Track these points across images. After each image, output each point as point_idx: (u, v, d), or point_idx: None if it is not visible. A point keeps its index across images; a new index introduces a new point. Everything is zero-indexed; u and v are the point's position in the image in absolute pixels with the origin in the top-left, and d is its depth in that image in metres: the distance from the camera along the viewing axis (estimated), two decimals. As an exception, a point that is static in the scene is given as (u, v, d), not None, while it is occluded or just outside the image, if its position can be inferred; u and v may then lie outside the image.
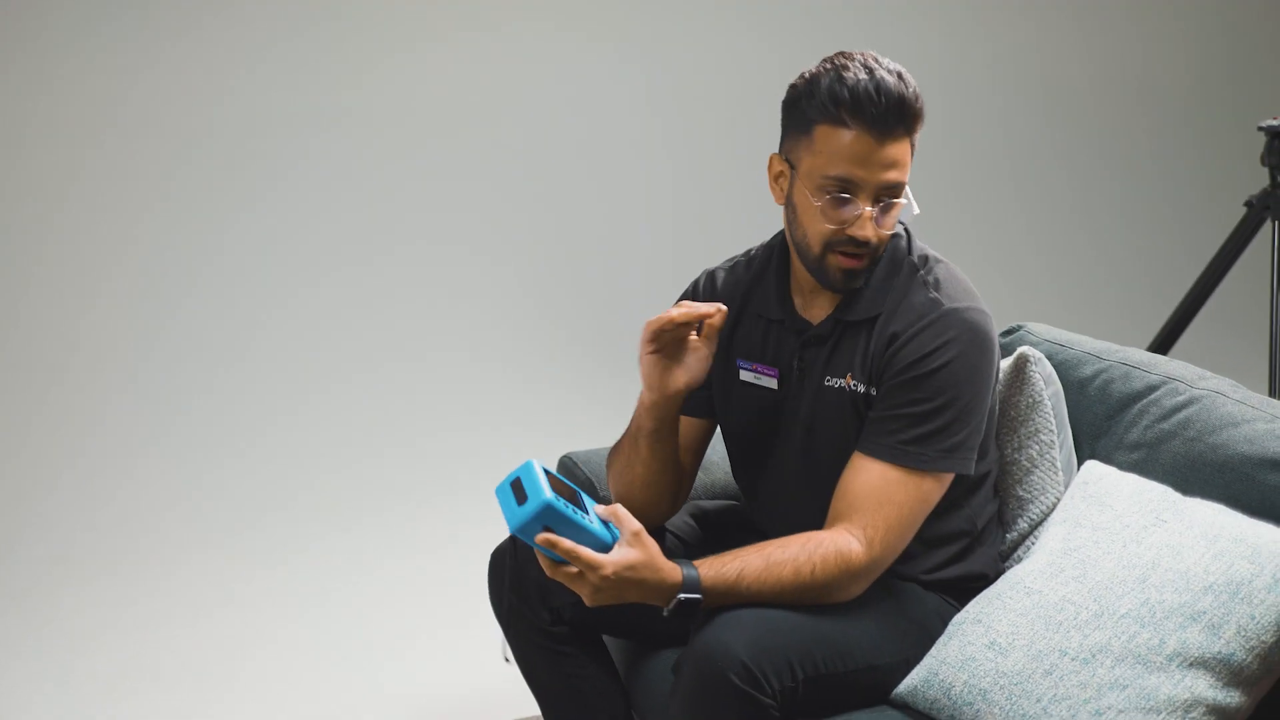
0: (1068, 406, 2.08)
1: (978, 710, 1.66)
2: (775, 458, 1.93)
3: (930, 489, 1.76)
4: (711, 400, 1.98)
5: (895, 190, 1.74)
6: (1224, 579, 1.59)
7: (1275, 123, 3.17)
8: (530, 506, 1.58)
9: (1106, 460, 1.98)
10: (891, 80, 1.70)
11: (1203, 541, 1.65)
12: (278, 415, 3.92)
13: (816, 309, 1.87)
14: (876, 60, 1.73)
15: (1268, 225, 3.22)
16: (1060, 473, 2.01)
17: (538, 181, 4.40)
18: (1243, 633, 1.55)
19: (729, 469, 2.28)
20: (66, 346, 3.94)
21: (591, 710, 1.96)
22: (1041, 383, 2.04)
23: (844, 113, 1.70)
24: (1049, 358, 2.14)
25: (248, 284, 4.14)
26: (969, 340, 1.76)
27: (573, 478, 2.29)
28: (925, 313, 1.77)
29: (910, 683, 1.76)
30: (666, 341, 1.80)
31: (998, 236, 4.83)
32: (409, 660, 2.85)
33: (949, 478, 1.78)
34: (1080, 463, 2.01)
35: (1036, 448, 2.01)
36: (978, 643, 1.71)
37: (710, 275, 2.00)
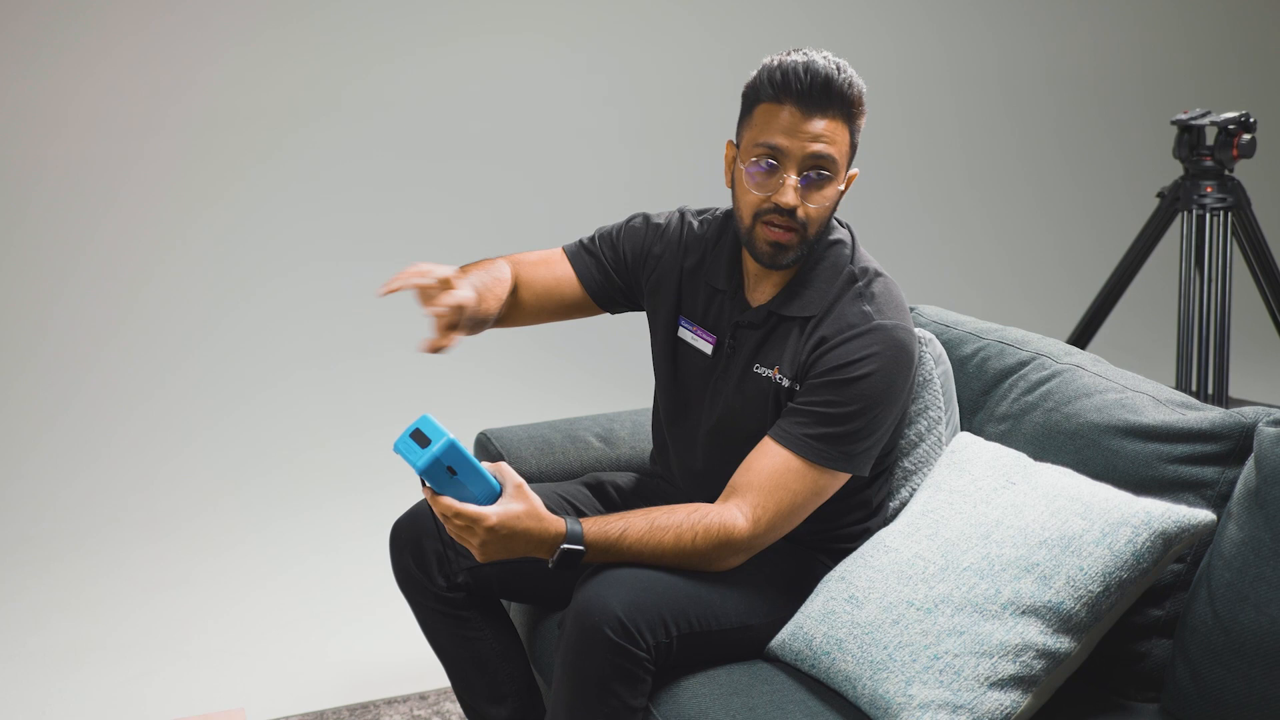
0: (950, 383, 2.20)
1: (834, 659, 1.77)
2: (691, 422, 2.04)
3: (825, 484, 1.86)
4: (607, 289, 2.07)
5: (822, 165, 1.82)
6: (1057, 534, 1.70)
7: (1185, 117, 3.28)
8: (435, 447, 1.69)
9: (979, 432, 2.10)
10: (823, 64, 1.81)
11: (1043, 501, 1.76)
12: (232, 407, 4.03)
13: (758, 293, 1.96)
14: (821, 52, 1.85)
15: (1180, 216, 3.33)
16: (945, 447, 2.13)
17: (476, 179, 4.50)
18: (1071, 583, 1.67)
19: (634, 445, 2.41)
20: (30, 338, 4.05)
21: (492, 671, 2.07)
22: (932, 362, 2.15)
23: (778, 90, 1.82)
24: (936, 337, 2.26)
25: (207, 279, 4.25)
26: (891, 357, 1.86)
27: (487, 453, 2.41)
28: (855, 323, 1.86)
29: (780, 638, 1.88)
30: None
31: (918, 231, 4.93)
32: (350, 633, 2.97)
33: (844, 477, 1.88)
34: (957, 435, 2.13)
35: (925, 423, 2.12)
36: (839, 597, 1.82)
37: (682, 219, 2.08)
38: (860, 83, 1.85)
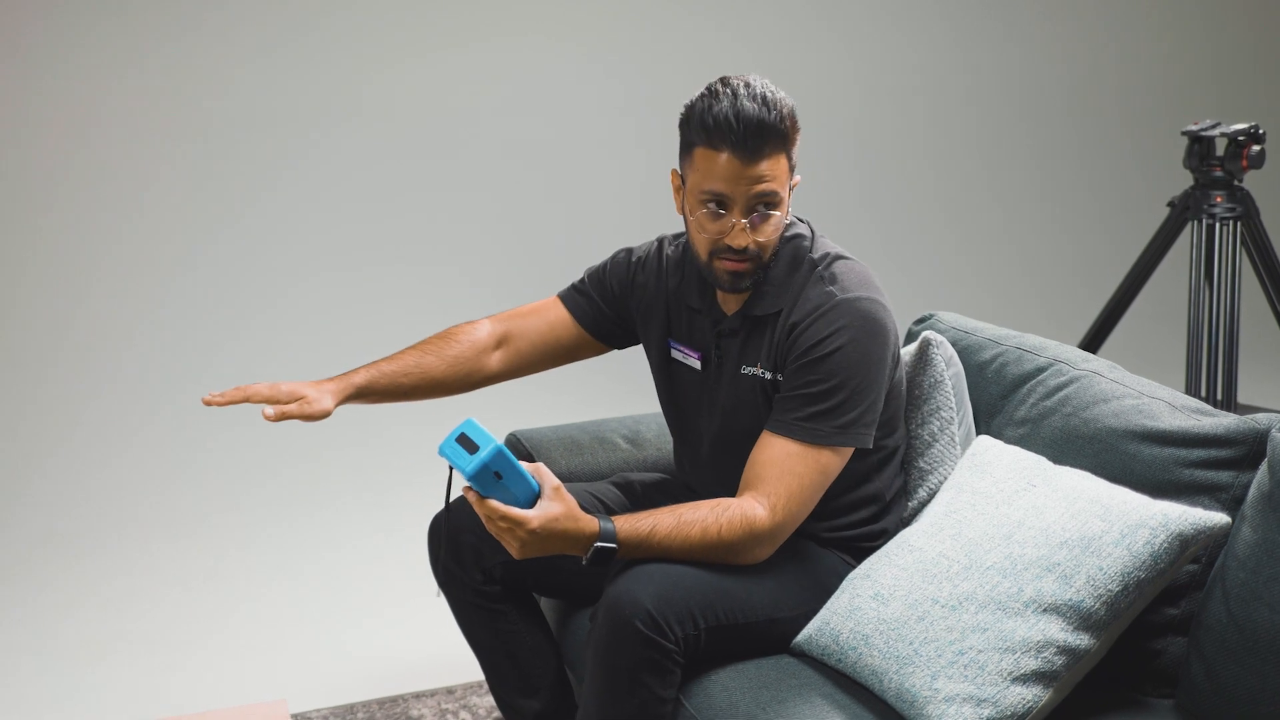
0: (970, 388, 2.27)
1: (860, 654, 1.84)
2: (698, 433, 2.12)
3: (828, 461, 1.93)
4: (603, 325, 2.18)
5: (767, 201, 1.90)
6: (1078, 535, 1.77)
7: (1196, 128, 3.34)
8: (484, 453, 1.76)
9: (998, 436, 2.16)
10: (752, 107, 1.85)
11: (1063, 503, 1.82)
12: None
13: (729, 303, 2.05)
14: (747, 86, 1.88)
15: (1190, 225, 3.40)
16: (958, 447, 2.19)
17: (489, 184, 4.56)
18: (1091, 582, 1.73)
19: (661, 446, 2.48)
20: (60, 338, 4.11)
21: (525, 664, 2.14)
22: (943, 364, 2.22)
23: (712, 137, 1.88)
24: (955, 343, 2.32)
25: (233, 279, 4.30)
26: (860, 327, 1.93)
27: (518, 453, 2.47)
28: (820, 304, 1.95)
29: (806, 633, 1.94)
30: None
31: (932, 238, 4.99)
32: (378, 628, 3.04)
33: (847, 452, 1.95)
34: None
35: (937, 424, 2.19)
36: (864, 594, 1.89)
37: (660, 247, 2.17)
38: (788, 104, 1.90)
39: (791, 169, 1.94)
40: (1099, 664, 1.84)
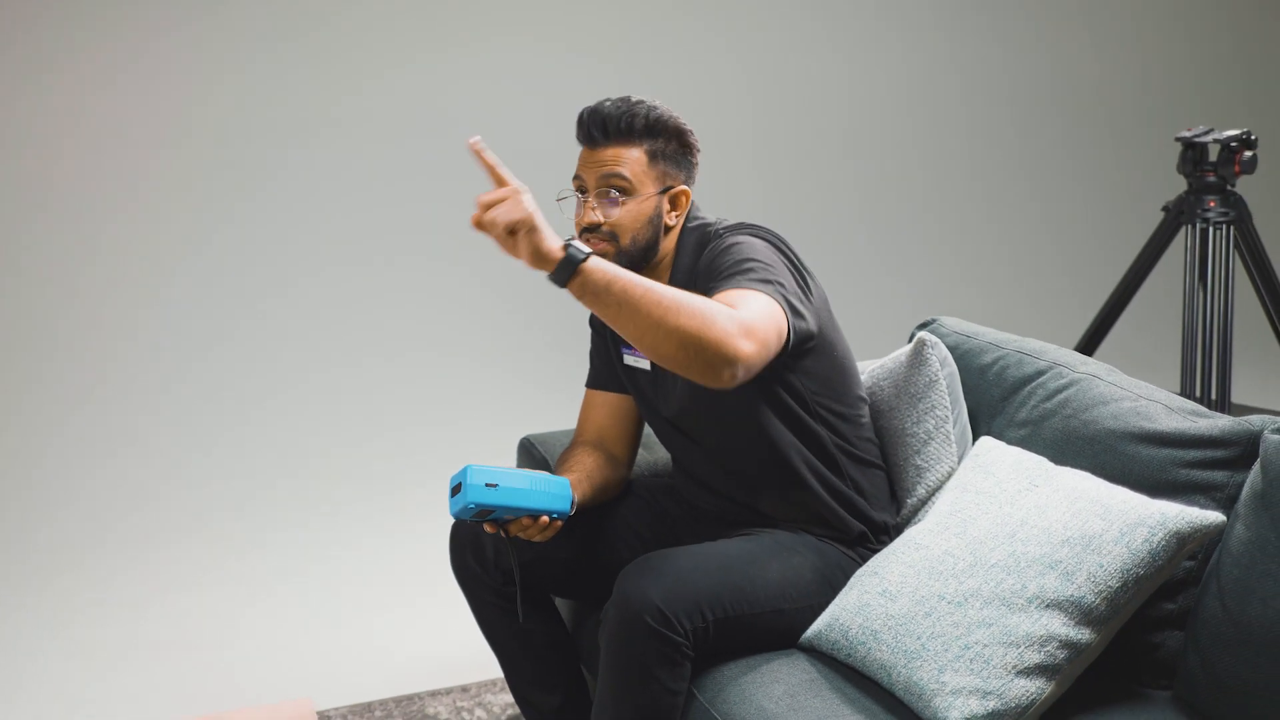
0: (971, 390, 2.33)
1: (869, 649, 1.90)
2: (670, 427, 2.22)
3: (768, 304, 1.89)
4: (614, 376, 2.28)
5: (612, 183, 2.08)
6: (1079, 533, 1.84)
7: (1190, 134, 3.41)
8: (467, 478, 1.89)
9: (999, 436, 2.23)
10: (606, 105, 2.11)
11: (1065, 502, 1.89)
12: (259, 408, 4.14)
13: None
14: (625, 96, 2.12)
15: (1184, 230, 3.47)
16: (954, 444, 2.26)
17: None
18: (1092, 579, 1.80)
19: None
20: (59, 345, 4.14)
21: (544, 661, 2.21)
22: (937, 364, 2.29)
23: (578, 135, 2.14)
24: (957, 347, 2.39)
25: (230, 283, 4.33)
26: (749, 232, 2.09)
27: (531, 458, 2.54)
28: (712, 240, 2.10)
29: (816, 628, 2.01)
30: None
31: (930, 246, 5.05)
32: (393, 628, 3.09)
33: (781, 313, 1.91)
34: (977, 438, 2.26)
35: (932, 421, 2.26)
36: (872, 591, 1.95)
37: None
38: (656, 114, 2.10)
39: (662, 173, 2.10)
40: (1099, 657, 1.91)
